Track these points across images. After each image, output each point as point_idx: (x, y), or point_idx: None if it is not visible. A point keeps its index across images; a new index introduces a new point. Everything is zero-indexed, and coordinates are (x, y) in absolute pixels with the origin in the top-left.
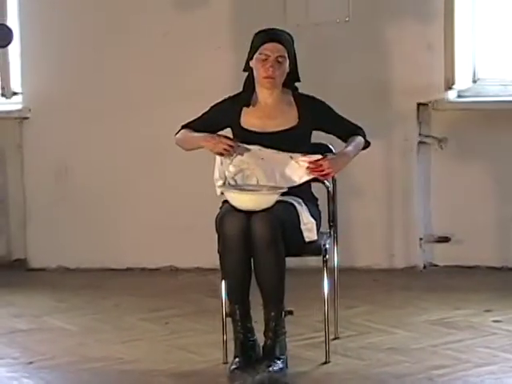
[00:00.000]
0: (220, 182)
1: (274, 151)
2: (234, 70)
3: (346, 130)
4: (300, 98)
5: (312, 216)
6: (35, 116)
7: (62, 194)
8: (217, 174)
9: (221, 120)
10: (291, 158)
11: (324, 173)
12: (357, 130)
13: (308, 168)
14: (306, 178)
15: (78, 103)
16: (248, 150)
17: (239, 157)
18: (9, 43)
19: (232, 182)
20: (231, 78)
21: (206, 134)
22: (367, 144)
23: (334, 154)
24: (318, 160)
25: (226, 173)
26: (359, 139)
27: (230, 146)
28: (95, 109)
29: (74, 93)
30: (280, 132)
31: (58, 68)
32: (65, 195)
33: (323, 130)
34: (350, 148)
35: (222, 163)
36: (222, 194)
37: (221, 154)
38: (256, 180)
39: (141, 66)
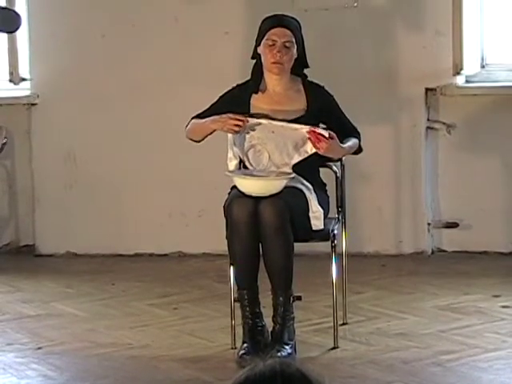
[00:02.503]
0: (234, 162)
1: (284, 123)
2: (241, 56)
3: (346, 131)
4: (310, 86)
5: (320, 204)
6: (43, 102)
7: (70, 179)
8: (230, 154)
9: (230, 108)
10: (296, 129)
11: (319, 144)
12: (355, 133)
13: (308, 133)
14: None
15: (86, 89)
16: (258, 124)
17: (249, 133)
18: (17, 28)
19: (245, 160)
20: (239, 63)
21: (214, 117)
22: (360, 150)
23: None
24: (321, 134)
25: (239, 151)
26: (355, 142)
27: (240, 120)
28: (104, 94)
29: (83, 79)
30: (288, 121)
31: (66, 54)
32: (73, 181)
33: (324, 123)
34: (347, 144)
35: (234, 143)
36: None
37: (233, 132)
38: (267, 155)
39: (150, 52)
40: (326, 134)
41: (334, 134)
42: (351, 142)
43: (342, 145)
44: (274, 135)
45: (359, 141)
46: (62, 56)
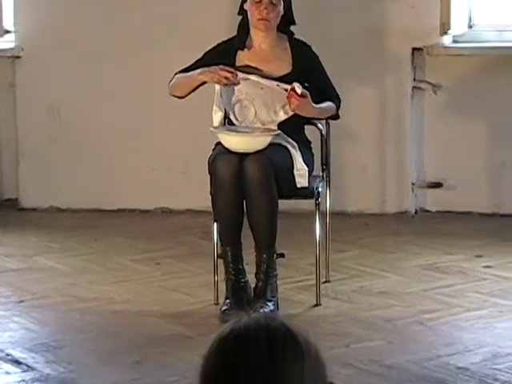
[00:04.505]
0: (219, 114)
1: (274, 82)
2: (229, 12)
3: (326, 94)
4: (296, 45)
5: (305, 162)
6: (28, 55)
7: (54, 134)
8: (216, 106)
9: (216, 64)
10: (278, 85)
11: (291, 99)
12: (334, 99)
13: (288, 90)
14: None
15: (72, 42)
16: (247, 79)
17: (237, 87)
18: None
19: (231, 114)
20: (226, 20)
21: (202, 68)
22: (337, 115)
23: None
24: (294, 91)
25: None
26: (332, 107)
27: (231, 72)
28: (90, 48)
29: (68, 32)
30: (273, 79)
31: (51, 6)
32: (57, 135)
33: (306, 83)
34: (321, 105)
35: (221, 94)
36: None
37: (222, 84)
38: (254, 111)
39: (137, 7)
40: (298, 91)
41: (307, 93)
42: (326, 105)
43: (314, 105)
44: (262, 92)
45: (338, 107)
46: (48, 9)
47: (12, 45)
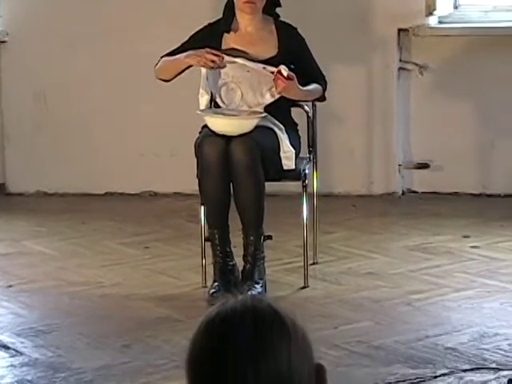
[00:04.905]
0: (206, 97)
1: (261, 65)
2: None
3: (312, 76)
4: (282, 27)
5: (292, 145)
6: (13, 40)
7: (40, 118)
8: (202, 89)
9: (202, 47)
10: (264, 68)
11: (277, 81)
12: (321, 81)
13: (274, 74)
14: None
15: (57, 27)
16: (233, 62)
17: (223, 70)
18: None
19: (217, 97)
20: (212, 1)
21: (188, 52)
22: (323, 98)
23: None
24: (282, 75)
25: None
26: (319, 88)
27: (217, 55)
28: (75, 33)
29: (54, 16)
30: (260, 61)
31: None
32: (44, 120)
33: (293, 65)
34: (307, 88)
35: (207, 78)
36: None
37: (209, 67)
38: (240, 94)
39: None
40: (285, 73)
41: (294, 75)
42: (312, 87)
43: (301, 87)
44: (249, 75)
45: (324, 89)
46: None
47: None
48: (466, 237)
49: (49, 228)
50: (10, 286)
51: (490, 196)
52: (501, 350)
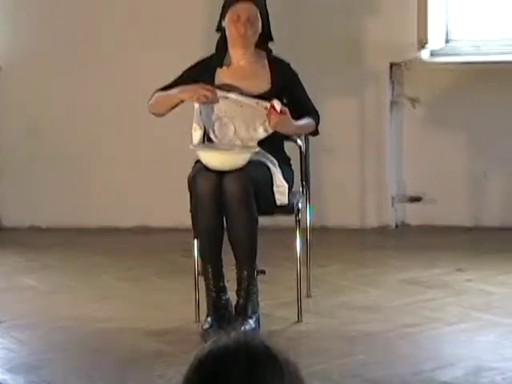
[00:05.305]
0: (199, 132)
1: (254, 99)
2: (206, 23)
3: (305, 110)
4: (274, 62)
5: (285, 178)
6: (6, 72)
7: (34, 152)
8: (195, 124)
9: (195, 82)
10: (257, 103)
11: (270, 116)
12: (314, 115)
13: (267, 108)
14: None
15: (49, 59)
16: (227, 96)
17: (216, 105)
18: None
19: (210, 132)
20: (203, 31)
21: (181, 86)
22: (316, 132)
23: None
24: (273, 108)
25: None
26: (311, 123)
27: (210, 90)
28: (67, 65)
29: (48, 50)
30: (253, 96)
31: (29, 23)
32: (38, 153)
33: (285, 100)
34: (300, 122)
35: (200, 112)
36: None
37: (202, 102)
38: (233, 128)
39: (112, 19)
40: (278, 108)
41: (287, 110)
42: (305, 121)
43: (294, 122)
44: (241, 109)
45: (317, 123)
46: (26, 25)
47: None
48: (460, 270)
49: (42, 262)
50: (2, 322)
51: (483, 229)
52: None
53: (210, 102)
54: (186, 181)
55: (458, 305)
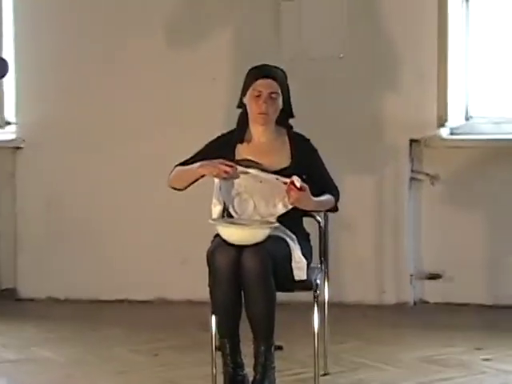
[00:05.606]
0: (218, 207)
1: (273, 175)
2: (227, 102)
3: (325, 187)
4: (295, 138)
5: (304, 254)
6: (29, 146)
7: (53, 224)
8: (215, 199)
9: (215, 157)
10: (277, 179)
11: (290, 192)
12: (333, 191)
13: (286, 184)
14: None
15: (71, 134)
16: (247, 172)
17: (236, 180)
18: (4, 75)
19: (230, 207)
20: (225, 108)
21: (202, 162)
22: (335, 208)
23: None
24: (295, 186)
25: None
26: (331, 199)
27: (230, 166)
28: (89, 140)
29: (68, 124)
30: (273, 172)
31: (52, 99)
32: (56, 226)
33: (305, 176)
34: (320, 198)
35: (220, 188)
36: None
37: (222, 178)
38: (253, 204)
39: (135, 97)
40: (297, 184)
41: (306, 186)
42: (324, 198)
43: (313, 198)
44: (261, 185)
45: (336, 199)
46: (48, 101)
47: (13, 136)
48: (478, 349)
49: (58, 334)
50: None
51: (502, 307)
52: None
53: (230, 178)
54: (205, 254)
55: None
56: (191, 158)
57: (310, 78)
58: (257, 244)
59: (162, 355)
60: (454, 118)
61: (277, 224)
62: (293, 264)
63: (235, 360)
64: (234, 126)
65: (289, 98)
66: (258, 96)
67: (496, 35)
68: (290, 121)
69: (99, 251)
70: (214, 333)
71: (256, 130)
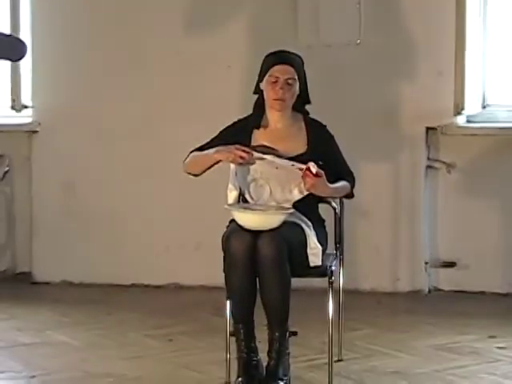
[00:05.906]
0: (234, 193)
1: (289, 162)
2: (243, 89)
3: (340, 173)
4: (311, 124)
5: (319, 240)
6: (44, 130)
7: (68, 208)
8: (231, 185)
9: (231, 142)
10: (293, 165)
11: (306, 178)
12: (349, 177)
13: (302, 170)
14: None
15: (87, 118)
16: (262, 158)
17: (252, 166)
18: (22, 57)
19: (246, 193)
20: (241, 96)
21: (218, 147)
22: (351, 195)
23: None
24: (311, 172)
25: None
26: (347, 186)
27: (246, 151)
28: (105, 125)
29: (84, 108)
30: (289, 158)
31: (68, 83)
32: (71, 209)
33: (321, 162)
34: (336, 185)
35: (236, 173)
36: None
37: (238, 163)
38: (269, 190)
39: (151, 83)
40: (313, 170)
41: (322, 172)
42: (340, 184)
43: (329, 185)
44: (277, 171)
45: (352, 186)
46: (65, 85)
47: (29, 120)
48: (492, 337)
49: (73, 318)
50: (33, 377)
51: None
52: None
53: (246, 164)
54: (219, 240)
55: (489, 373)
56: (207, 143)
57: (327, 64)
58: (272, 230)
59: (176, 340)
60: (471, 106)
61: (292, 210)
62: (308, 250)
63: (249, 345)
64: (249, 112)
65: (305, 84)
66: (275, 82)
67: None
68: (307, 107)
69: (113, 235)
70: (228, 318)
71: (272, 116)
